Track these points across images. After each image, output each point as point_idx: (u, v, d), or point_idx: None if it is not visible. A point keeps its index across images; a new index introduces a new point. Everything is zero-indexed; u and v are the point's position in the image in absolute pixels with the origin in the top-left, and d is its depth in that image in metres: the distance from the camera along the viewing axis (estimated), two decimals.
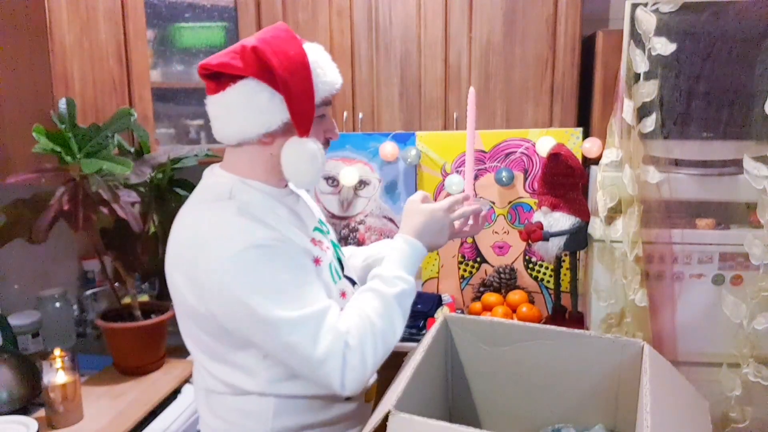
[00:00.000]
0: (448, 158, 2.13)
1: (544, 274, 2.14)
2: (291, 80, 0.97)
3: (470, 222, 1.22)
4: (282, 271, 0.95)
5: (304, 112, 1.00)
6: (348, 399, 1.09)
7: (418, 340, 1.88)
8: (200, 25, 1.96)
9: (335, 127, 1.10)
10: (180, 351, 1.26)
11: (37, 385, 1.43)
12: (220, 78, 1.03)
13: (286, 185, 1.12)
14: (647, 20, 1.71)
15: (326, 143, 1.08)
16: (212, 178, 1.10)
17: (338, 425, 1.11)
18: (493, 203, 2.14)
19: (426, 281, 2.22)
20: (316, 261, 1.05)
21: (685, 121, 1.75)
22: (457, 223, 1.17)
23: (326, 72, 1.03)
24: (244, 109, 1.00)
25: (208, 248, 0.95)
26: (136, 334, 1.61)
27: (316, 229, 1.13)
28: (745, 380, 1.75)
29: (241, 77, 0.99)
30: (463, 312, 2.16)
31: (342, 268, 1.16)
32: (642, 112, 1.76)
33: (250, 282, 0.93)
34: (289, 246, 0.98)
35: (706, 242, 1.77)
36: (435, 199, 2.16)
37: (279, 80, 0.96)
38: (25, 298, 1.82)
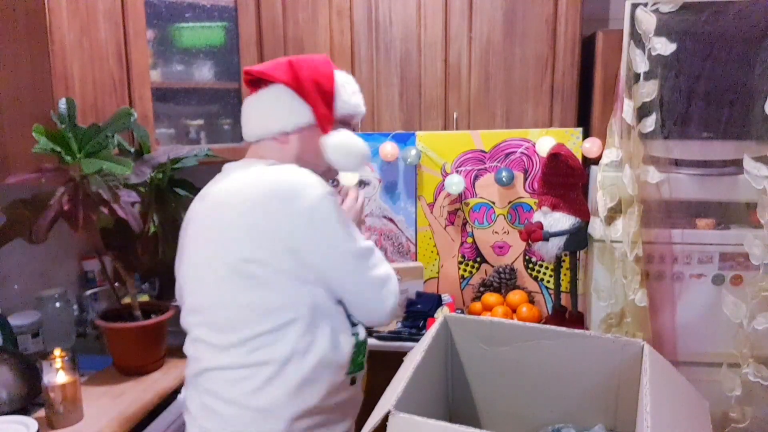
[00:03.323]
0: (448, 158, 2.13)
1: (544, 274, 2.14)
2: (315, 87, 1.18)
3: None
4: (345, 215, 1.16)
5: (324, 115, 1.19)
6: (353, 383, 1.20)
7: (418, 340, 1.89)
8: (200, 25, 1.96)
9: None
10: (180, 351, 1.25)
11: (37, 385, 1.43)
12: (258, 83, 1.22)
13: None
14: (647, 20, 1.71)
15: None
16: (250, 160, 1.23)
17: (338, 412, 1.17)
18: (493, 203, 2.14)
19: (426, 281, 2.22)
20: None
21: (685, 121, 1.75)
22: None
23: (350, 96, 1.24)
24: (268, 108, 1.20)
25: (300, 190, 1.08)
26: (136, 334, 1.61)
27: None
28: (745, 380, 1.75)
29: (273, 83, 1.19)
30: (463, 312, 2.16)
31: None
32: (642, 112, 1.76)
33: (337, 218, 1.10)
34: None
35: (706, 242, 1.77)
36: (435, 200, 2.17)
37: (305, 85, 1.16)
38: (25, 298, 1.82)
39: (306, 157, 1.21)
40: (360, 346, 1.19)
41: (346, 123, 1.24)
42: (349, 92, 1.23)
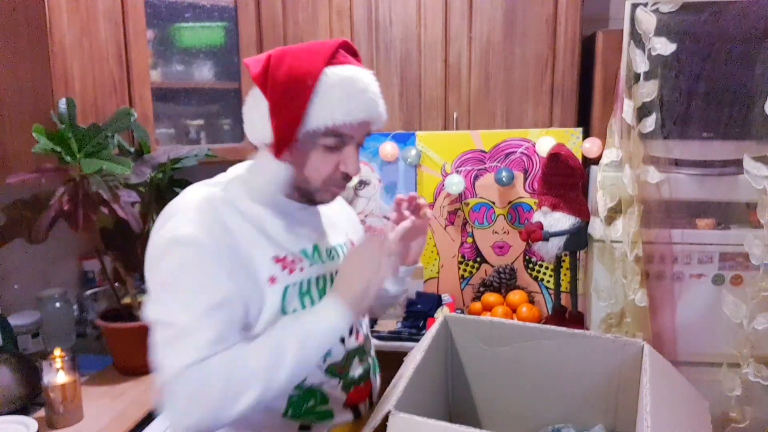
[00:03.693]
0: (448, 158, 2.13)
1: (544, 274, 2.14)
2: (279, 93, 0.93)
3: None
4: (188, 274, 0.87)
5: (282, 130, 0.94)
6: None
7: (417, 340, 1.89)
8: (200, 25, 1.96)
9: (353, 162, 0.98)
10: None
11: (37, 385, 1.43)
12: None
13: (302, 199, 1.03)
14: (647, 20, 1.71)
15: (343, 178, 1.00)
16: (231, 168, 1.08)
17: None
18: (493, 203, 2.14)
19: (426, 281, 2.22)
20: (271, 279, 0.95)
21: (685, 121, 1.75)
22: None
23: (343, 101, 0.93)
24: (251, 113, 0.99)
25: (165, 221, 0.93)
26: (136, 334, 1.60)
27: (303, 251, 1.02)
28: (745, 380, 1.75)
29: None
30: (463, 312, 2.16)
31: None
32: (642, 112, 1.76)
33: (167, 271, 0.89)
34: (224, 252, 0.90)
35: (706, 242, 1.77)
36: (434, 200, 2.17)
37: (268, 90, 0.94)
38: (25, 298, 1.82)
39: (307, 171, 0.99)
40: (306, 394, 0.99)
41: (335, 135, 0.95)
42: (342, 94, 0.93)
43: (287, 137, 0.94)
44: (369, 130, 1.01)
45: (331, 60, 0.94)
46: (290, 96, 0.93)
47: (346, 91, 0.94)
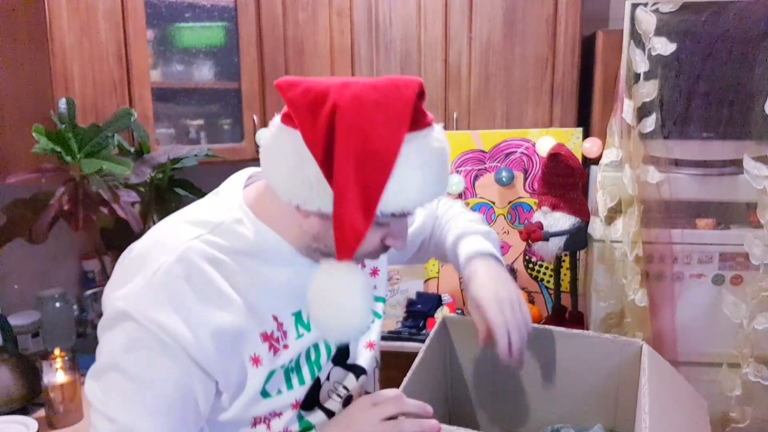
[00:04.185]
0: None
1: (544, 274, 2.14)
2: (350, 173, 0.67)
3: None
4: (134, 363, 0.71)
5: (345, 220, 0.68)
6: None
7: (418, 340, 1.89)
8: (200, 25, 1.96)
9: (403, 237, 0.79)
10: None
11: (37, 385, 1.43)
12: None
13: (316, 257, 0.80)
14: (647, 20, 1.71)
15: (383, 249, 0.80)
16: (232, 188, 0.83)
17: None
18: (493, 203, 2.14)
19: (426, 281, 2.22)
20: (255, 360, 0.76)
21: (685, 121, 1.75)
22: None
23: (424, 184, 0.72)
24: (286, 164, 0.72)
25: (116, 273, 0.75)
26: None
27: (297, 314, 0.82)
28: (745, 380, 1.75)
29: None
30: (463, 312, 2.16)
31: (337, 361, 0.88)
32: (642, 112, 1.76)
33: (103, 342, 0.75)
34: (189, 349, 0.70)
35: (706, 242, 1.77)
36: None
37: (333, 164, 0.68)
38: (25, 298, 1.82)
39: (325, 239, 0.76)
40: None
41: (404, 214, 0.75)
42: (424, 177, 0.72)
43: (359, 230, 0.69)
44: None
45: (413, 127, 0.71)
46: (362, 180, 0.68)
47: (428, 175, 0.73)
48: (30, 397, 1.45)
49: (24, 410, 1.43)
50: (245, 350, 0.75)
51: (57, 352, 1.39)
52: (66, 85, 1.59)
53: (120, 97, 1.72)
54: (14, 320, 1.71)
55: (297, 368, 0.82)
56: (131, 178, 1.52)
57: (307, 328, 0.83)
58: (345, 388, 0.89)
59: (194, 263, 0.72)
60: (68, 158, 1.44)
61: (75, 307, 1.93)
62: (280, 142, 0.73)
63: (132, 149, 1.72)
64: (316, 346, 0.84)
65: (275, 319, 0.79)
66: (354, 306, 0.71)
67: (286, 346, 0.80)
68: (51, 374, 1.36)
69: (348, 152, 0.67)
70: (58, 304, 1.81)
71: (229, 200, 0.80)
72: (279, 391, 0.79)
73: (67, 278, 2.01)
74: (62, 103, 1.46)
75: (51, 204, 1.41)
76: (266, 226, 0.78)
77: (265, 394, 0.78)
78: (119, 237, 1.59)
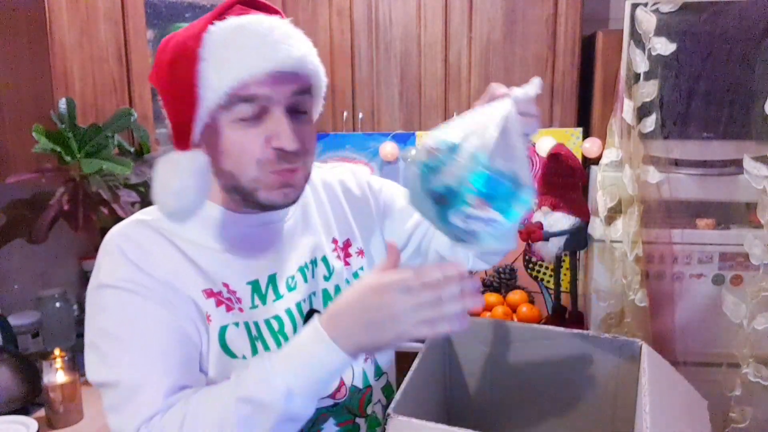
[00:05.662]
0: None
1: (544, 274, 2.14)
2: (165, 75, 0.75)
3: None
4: (122, 322, 0.74)
5: (177, 113, 0.75)
6: None
7: (417, 340, 1.89)
8: None
9: (284, 132, 0.74)
10: None
11: (37, 385, 1.43)
12: None
13: (247, 205, 0.81)
14: (647, 20, 1.71)
15: (280, 158, 0.75)
16: None
17: None
18: None
19: None
20: (207, 317, 0.78)
21: (685, 121, 1.75)
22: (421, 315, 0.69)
23: (235, 53, 0.72)
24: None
25: (101, 260, 0.80)
26: None
27: (254, 284, 0.83)
28: (745, 380, 1.75)
29: None
30: None
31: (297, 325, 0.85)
32: (642, 112, 1.76)
33: (91, 325, 0.77)
34: (157, 288, 0.75)
35: (706, 242, 1.77)
36: None
37: (156, 79, 0.78)
38: (25, 298, 1.82)
39: (228, 158, 0.77)
40: None
41: (245, 100, 0.73)
42: (233, 46, 0.72)
43: (185, 120, 0.74)
44: (299, 87, 0.76)
45: (219, 18, 0.74)
46: (175, 72, 0.73)
47: (237, 42, 0.72)
48: (30, 397, 1.45)
49: (24, 410, 1.43)
50: (201, 307, 0.77)
51: (57, 352, 1.39)
52: (66, 85, 1.59)
53: (120, 97, 1.72)
54: (14, 320, 1.71)
55: (260, 337, 0.81)
56: (131, 178, 1.52)
57: (263, 300, 0.83)
58: None
59: (137, 232, 0.79)
60: (68, 158, 1.44)
61: (75, 307, 1.93)
62: None
63: (132, 149, 1.72)
64: (277, 317, 0.83)
65: (225, 285, 0.80)
66: (176, 186, 0.74)
67: (241, 309, 0.80)
68: (51, 374, 1.36)
69: (164, 58, 0.75)
70: (58, 304, 1.81)
71: None
72: (244, 357, 0.79)
73: (67, 278, 2.01)
74: (62, 103, 1.46)
75: (51, 204, 1.41)
76: (209, 201, 0.80)
77: (231, 354, 0.78)
78: None
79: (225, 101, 0.72)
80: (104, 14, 1.67)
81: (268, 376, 0.68)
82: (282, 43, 0.74)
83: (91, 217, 1.44)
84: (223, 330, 0.78)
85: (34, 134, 1.40)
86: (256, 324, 0.81)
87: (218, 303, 0.79)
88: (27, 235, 1.42)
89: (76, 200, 1.43)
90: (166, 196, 0.75)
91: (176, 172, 0.74)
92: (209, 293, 0.78)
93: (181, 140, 0.76)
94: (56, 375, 1.36)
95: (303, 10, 2.09)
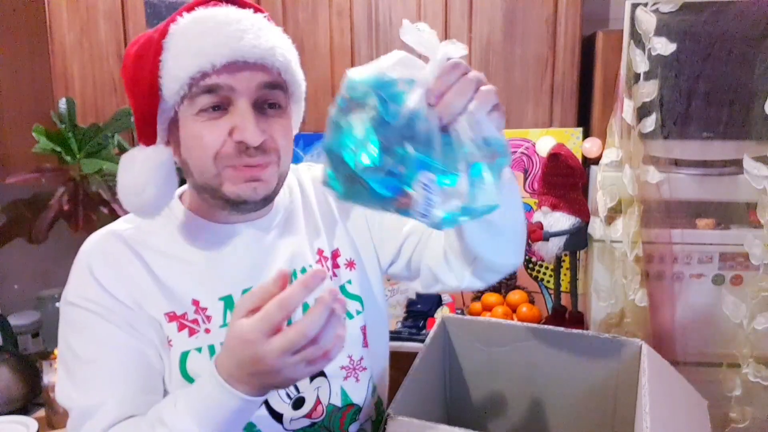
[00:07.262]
0: None
1: (544, 274, 2.14)
2: (130, 68, 0.74)
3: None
4: (76, 343, 0.77)
5: (140, 105, 0.73)
6: None
7: (417, 340, 1.89)
8: None
9: (247, 125, 0.70)
10: None
11: (37, 385, 1.43)
12: None
13: (224, 208, 0.76)
14: (647, 20, 1.71)
15: (241, 149, 0.71)
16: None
17: None
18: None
19: None
20: (168, 341, 0.76)
21: (685, 121, 1.75)
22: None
23: (194, 42, 0.70)
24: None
25: (73, 268, 0.80)
26: None
27: (226, 299, 0.78)
28: (745, 380, 1.75)
29: None
30: (463, 312, 2.16)
31: None
32: (642, 112, 1.76)
33: (60, 336, 0.80)
34: (116, 308, 0.74)
35: (706, 242, 1.77)
36: None
37: (123, 72, 0.77)
38: (25, 298, 1.82)
39: (188, 150, 0.75)
40: None
41: (205, 91, 0.70)
42: (193, 35, 0.70)
43: (149, 113, 0.72)
44: (267, 80, 0.72)
45: (189, 11, 0.74)
46: (139, 63, 0.72)
47: (199, 30, 0.70)
48: (30, 397, 1.45)
49: (24, 410, 1.43)
50: (163, 329, 0.76)
51: (57, 352, 1.38)
52: (66, 85, 1.59)
53: (120, 97, 1.72)
54: (14, 320, 1.71)
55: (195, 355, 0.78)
56: None
57: None
58: (296, 388, 0.81)
59: (108, 242, 0.77)
60: (68, 158, 1.44)
61: None
62: None
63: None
64: None
65: (195, 303, 0.77)
66: (135, 182, 0.73)
67: (207, 330, 0.77)
68: (51, 374, 1.36)
69: (129, 56, 0.74)
70: (58, 304, 1.81)
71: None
72: None
73: (66, 278, 2.01)
74: (62, 103, 1.46)
75: (51, 204, 1.42)
76: (185, 208, 0.81)
77: (191, 380, 0.75)
78: None
79: (187, 92, 0.70)
80: (104, 14, 1.67)
81: (173, 419, 0.64)
82: (248, 32, 0.70)
83: (91, 217, 1.44)
84: (184, 356, 0.76)
85: (34, 134, 1.40)
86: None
87: (180, 327, 0.76)
88: (27, 235, 1.42)
89: (76, 200, 1.43)
90: (128, 192, 0.73)
91: (137, 167, 0.73)
92: (171, 317, 0.76)
93: (145, 134, 0.74)
94: (56, 375, 1.35)
95: (303, 10, 2.09)
